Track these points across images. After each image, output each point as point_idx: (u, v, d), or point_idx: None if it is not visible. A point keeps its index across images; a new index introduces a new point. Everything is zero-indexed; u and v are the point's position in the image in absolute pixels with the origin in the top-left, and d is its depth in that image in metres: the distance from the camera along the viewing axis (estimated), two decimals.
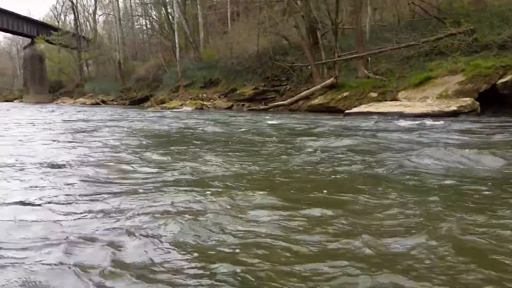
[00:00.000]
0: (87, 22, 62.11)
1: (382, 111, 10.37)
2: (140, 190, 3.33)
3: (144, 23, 52.20)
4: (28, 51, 58.27)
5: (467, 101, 10.07)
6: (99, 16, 56.32)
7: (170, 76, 31.55)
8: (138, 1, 49.15)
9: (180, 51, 29.69)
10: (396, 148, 5.31)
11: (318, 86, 15.87)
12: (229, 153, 5.22)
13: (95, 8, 53.96)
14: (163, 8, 42.69)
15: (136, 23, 52.95)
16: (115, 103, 39.01)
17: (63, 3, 64.10)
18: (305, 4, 17.20)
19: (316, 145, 5.56)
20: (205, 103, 22.09)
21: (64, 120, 13.33)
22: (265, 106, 18.62)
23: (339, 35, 18.37)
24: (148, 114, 16.84)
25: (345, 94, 14.57)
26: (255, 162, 4.47)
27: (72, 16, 65.98)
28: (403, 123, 8.74)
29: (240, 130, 8.49)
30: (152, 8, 46.89)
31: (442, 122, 8.45)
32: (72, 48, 53.24)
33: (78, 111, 20.12)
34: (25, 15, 56.27)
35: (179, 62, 28.83)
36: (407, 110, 9.90)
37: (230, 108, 21.13)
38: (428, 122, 8.74)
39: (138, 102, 35.52)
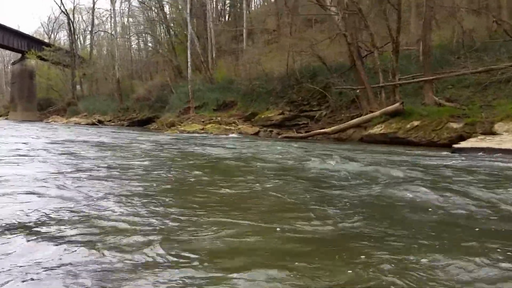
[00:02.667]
0: (79, 40, 59.76)
1: (509, 147, 8.09)
2: None
3: (143, 40, 50.18)
4: (17, 67, 55.47)
5: None
6: (94, 33, 54.02)
7: (177, 97, 29.02)
8: (138, 19, 47.25)
9: (191, 70, 27.22)
10: None
11: (377, 113, 13.60)
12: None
13: (92, 24, 51.65)
14: (164, 26, 40.77)
15: (134, 42, 50.91)
16: (113, 123, 36.44)
17: (56, 19, 61.74)
18: (358, 20, 15.08)
19: None
20: (227, 127, 19.65)
21: (83, 144, 10.76)
22: (304, 134, 16.28)
23: (381, 57, 16.33)
24: (172, 139, 14.33)
25: (415, 123, 12.31)
26: None
27: (63, 33, 63.79)
28: None
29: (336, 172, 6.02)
30: (149, 26, 44.91)
31: None
32: (65, 66, 50.56)
33: (86, 133, 17.43)
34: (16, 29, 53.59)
35: (190, 82, 26.40)
36: None
37: (256, 134, 18.73)
38: None
39: (138, 124, 33.05)
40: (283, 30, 28.12)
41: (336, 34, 16.96)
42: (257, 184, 4.81)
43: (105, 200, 3.75)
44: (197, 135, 17.73)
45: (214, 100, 25.98)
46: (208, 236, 2.71)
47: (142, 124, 32.30)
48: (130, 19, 48.54)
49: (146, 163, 6.86)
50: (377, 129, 13.27)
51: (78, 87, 51.00)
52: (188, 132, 18.92)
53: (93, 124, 35.31)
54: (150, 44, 48.39)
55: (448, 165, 6.74)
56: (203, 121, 23.31)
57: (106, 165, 6.29)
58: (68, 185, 4.46)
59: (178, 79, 33.27)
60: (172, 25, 39.42)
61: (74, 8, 51.39)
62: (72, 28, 50.46)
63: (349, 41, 14.84)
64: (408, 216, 3.37)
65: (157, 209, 3.46)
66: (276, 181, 5.09)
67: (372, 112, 14.40)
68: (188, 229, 2.87)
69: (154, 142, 12.34)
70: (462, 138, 11.24)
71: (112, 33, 46.07)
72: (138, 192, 4.20)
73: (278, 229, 2.91)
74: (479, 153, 8.25)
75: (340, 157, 7.51)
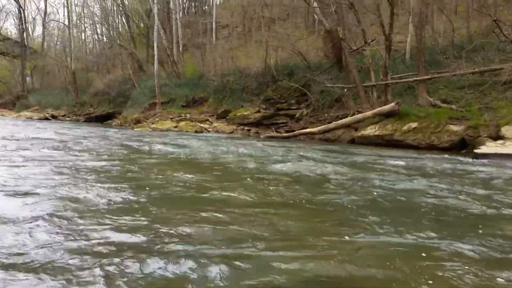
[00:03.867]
0: (28, 29, 55.97)
1: None
2: None
3: (97, 33, 47.85)
4: None
5: None
6: (47, 22, 50.75)
7: (141, 92, 27.31)
8: (94, 10, 44.95)
9: (157, 64, 25.71)
10: None
11: (369, 113, 12.93)
12: None
13: (45, 13, 48.52)
14: (124, 16, 38.84)
15: (89, 33, 48.54)
16: (68, 118, 34.06)
17: (2, 8, 57.74)
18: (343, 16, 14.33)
19: None
20: (201, 125, 18.46)
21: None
22: (287, 134, 15.41)
23: (371, 55, 15.67)
24: (155, 138, 13.03)
25: (413, 125, 11.72)
26: None
27: (9, 22, 59.78)
28: None
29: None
30: (105, 17, 42.84)
31: None
32: (14, 56, 47.15)
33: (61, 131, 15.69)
34: None
35: (157, 77, 24.88)
36: None
37: (232, 132, 17.70)
38: None
39: (97, 119, 30.95)
40: (251, 24, 27.33)
41: (324, 29, 16.18)
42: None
43: None
44: (172, 132, 16.44)
45: (183, 96, 24.59)
46: None
47: (101, 120, 30.32)
48: (85, 10, 46.05)
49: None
50: (370, 130, 12.59)
51: (28, 79, 47.74)
52: (161, 130, 17.56)
53: (46, 119, 32.95)
54: (104, 36, 46.03)
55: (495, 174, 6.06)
56: (171, 118, 21.96)
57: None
58: None
59: (138, 73, 31.56)
60: (131, 15, 37.62)
61: None
62: (23, 17, 47.14)
63: (341, 37, 14.07)
64: None
65: None
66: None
67: (360, 112, 13.77)
68: None
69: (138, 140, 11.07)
70: (464, 142, 10.76)
71: (65, 23, 43.33)
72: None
73: None
74: (507, 160, 7.66)
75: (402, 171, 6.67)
